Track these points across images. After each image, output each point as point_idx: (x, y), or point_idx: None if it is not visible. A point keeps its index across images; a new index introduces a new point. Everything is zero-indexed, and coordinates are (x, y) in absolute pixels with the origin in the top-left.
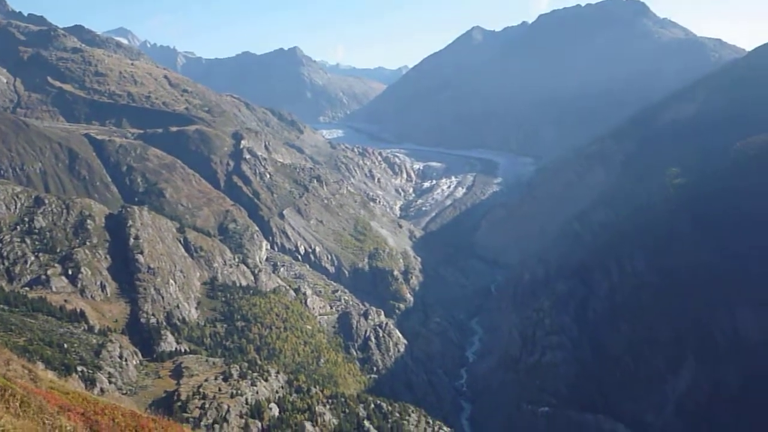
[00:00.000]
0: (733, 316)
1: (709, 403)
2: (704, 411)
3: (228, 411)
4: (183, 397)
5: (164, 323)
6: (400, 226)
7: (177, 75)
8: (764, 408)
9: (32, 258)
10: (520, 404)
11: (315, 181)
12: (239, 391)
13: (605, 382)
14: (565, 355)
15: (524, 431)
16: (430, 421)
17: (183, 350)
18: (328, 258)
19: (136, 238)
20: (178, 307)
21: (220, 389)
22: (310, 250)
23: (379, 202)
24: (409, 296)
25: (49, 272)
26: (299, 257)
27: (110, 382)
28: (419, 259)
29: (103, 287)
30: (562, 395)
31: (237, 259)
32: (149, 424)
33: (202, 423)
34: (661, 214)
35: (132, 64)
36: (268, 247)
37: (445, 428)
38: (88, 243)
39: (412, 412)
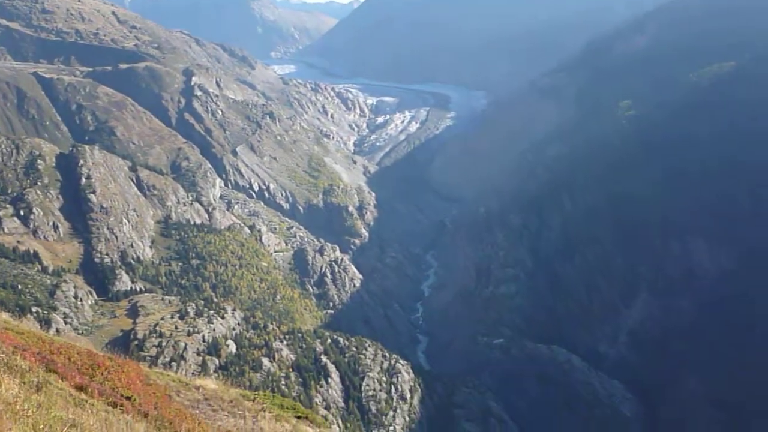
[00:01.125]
0: (686, 247)
1: (663, 334)
2: (658, 342)
3: (185, 349)
4: (140, 335)
5: (119, 263)
6: (354, 162)
7: (125, 11)
8: (717, 338)
9: None
10: (476, 337)
11: (267, 117)
12: (196, 329)
13: (560, 314)
14: (519, 287)
15: (480, 363)
16: (387, 355)
17: (138, 289)
18: (282, 195)
19: (88, 177)
20: (132, 246)
21: (176, 327)
22: (264, 187)
23: (333, 138)
24: (364, 232)
25: (0, 213)
26: (253, 194)
27: (66, 323)
28: (374, 194)
29: (55, 228)
30: (517, 327)
31: (190, 198)
32: (105, 363)
33: (159, 361)
34: (613, 146)
35: (79, 1)
36: (222, 184)
37: (401, 361)
38: (39, 183)
39: (369, 346)
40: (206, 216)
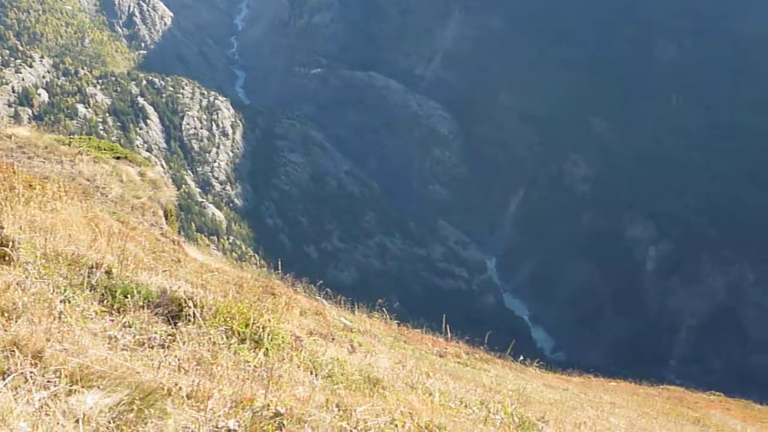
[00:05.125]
0: None
1: (476, 52)
2: (471, 60)
3: None
4: None
5: None
6: None
7: None
8: (527, 53)
9: None
10: (293, 67)
11: None
12: (4, 80)
13: (376, 40)
14: (334, 14)
15: (299, 94)
16: (205, 92)
17: None
18: None
19: None
20: None
21: None
22: None
23: None
24: None
25: None
26: None
27: None
28: None
29: None
30: (333, 55)
31: None
32: None
33: None
34: None
35: None
36: None
37: (220, 98)
38: None
39: (186, 84)
40: None
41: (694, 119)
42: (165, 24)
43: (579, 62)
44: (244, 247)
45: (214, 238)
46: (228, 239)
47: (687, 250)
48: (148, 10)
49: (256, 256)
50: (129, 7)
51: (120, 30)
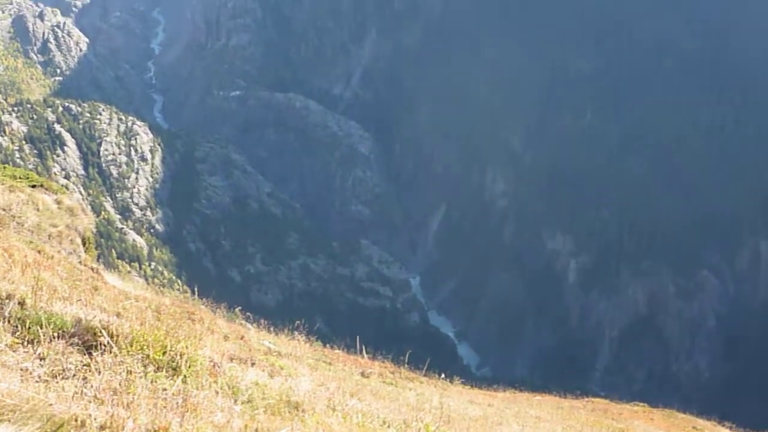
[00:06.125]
0: None
1: (392, 67)
2: (389, 79)
3: None
4: None
5: None
6: None
7: None
8: (442, 64)
9: None
10: (211, 90)
11: None
12: None
13: (293, 61)
14: (250, 36)
15: (218, 117)
16: (123, 117)
17: None
18: None
19: None
20: None
21: None
22: None
23: None
24: None
25: None
26: None
27: None
28: None
29: None
30: (251, 77)
31: None
32: None
33: None
34: None
35: None
36: None
37: (138, 122)
38: None
39: (103, 110)
40: None
41: (605, 131)
42: (80, 50)
43: (493, 77)
44: (166, 273)
45: (136, 264)
46: (150, 265)
47: (606, 262)
48: (63, 36)
49: (179, 281)
50: (44, 33)
51: (35, 56)
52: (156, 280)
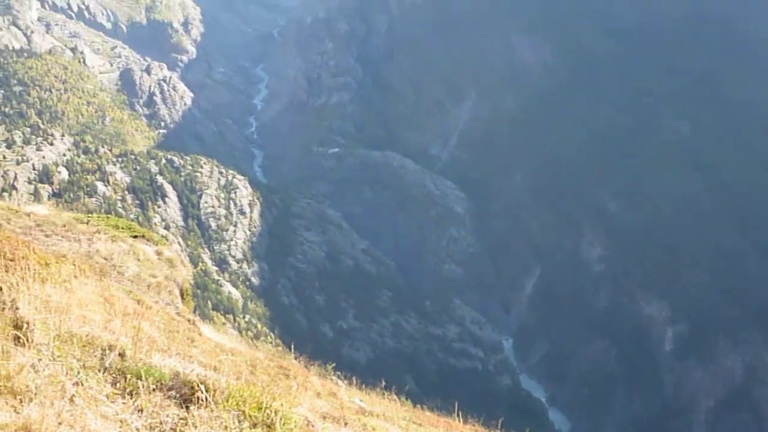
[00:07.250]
0: (509, 44)
1: (490, 129)
2: (486, 136)
3: (15, 178)
4: None
5: None
6: None
7: None
8: (538, 127)
9: None
10: (311, 147)
11: None
12: (25, 158)
13: (391, 119)
14: (351, 95)
15: (316, 173)
16: (224, 171)
17: None
18: (103, 13)
19: None
20: None
21: (4, 157)
22: (83, 7)
23: None
24: (191, 47)
25: None
26: (72, 15)
27: None
28: (198, 8)
29: None
30: (350, 135)
31: (6, 21)
32: None
33: None
34: None
35: None
36: (39, 6)
37: (238, 176)
38: None
39: (205, 163)
40: (25, 40)
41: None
42: (185, 103)
43: (588, 137)
44: (259, 326)
45: (230, 316)
46: (244, 317)
47: (703, 330)
48: (168, 90)
49: (272, 334)
50: (150, 87)
51: (140, 109)
52: (249, 333)
